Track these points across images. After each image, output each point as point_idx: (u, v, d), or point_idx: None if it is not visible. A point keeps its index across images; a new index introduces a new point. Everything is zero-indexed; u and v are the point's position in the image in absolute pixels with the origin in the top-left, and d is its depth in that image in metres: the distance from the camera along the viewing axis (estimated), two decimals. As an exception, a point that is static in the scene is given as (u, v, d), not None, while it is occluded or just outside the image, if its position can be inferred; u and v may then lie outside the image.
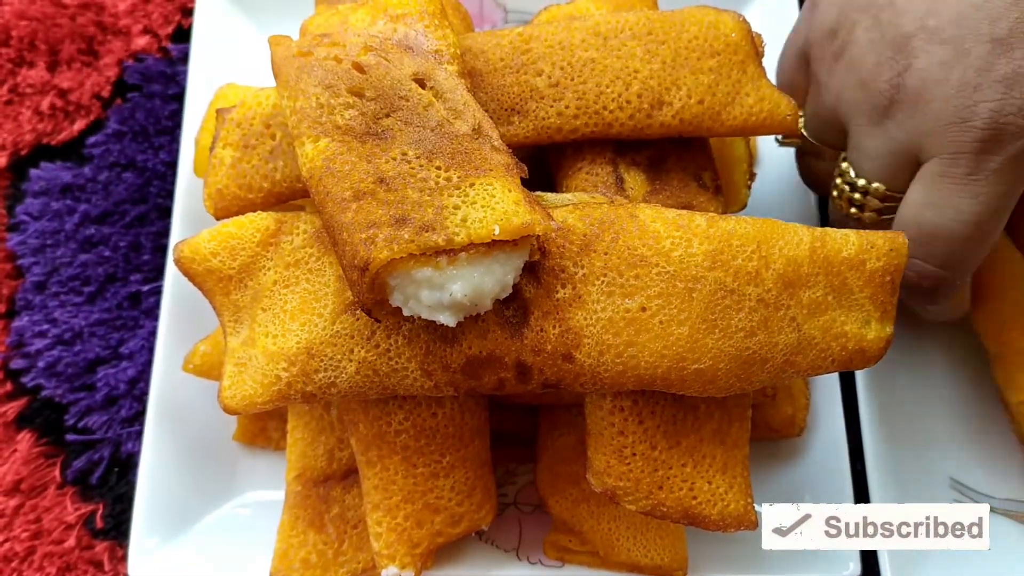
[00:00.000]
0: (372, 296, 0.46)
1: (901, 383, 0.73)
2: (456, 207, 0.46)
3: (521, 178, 0.50)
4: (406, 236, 0.44)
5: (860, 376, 0.70)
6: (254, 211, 0.58)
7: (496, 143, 0.51)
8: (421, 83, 0.53)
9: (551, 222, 0.47)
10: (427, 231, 0.45)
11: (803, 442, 0.71)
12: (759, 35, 0.60)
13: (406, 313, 0.48)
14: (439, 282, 0.46)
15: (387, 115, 0.51)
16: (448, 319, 0.47)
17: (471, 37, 0.61)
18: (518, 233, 0.46)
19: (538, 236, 0.48)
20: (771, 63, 0.61)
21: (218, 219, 0.60)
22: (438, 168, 0.48)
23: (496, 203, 0.46)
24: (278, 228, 0.55)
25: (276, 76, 0.54)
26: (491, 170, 0.48)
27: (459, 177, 0.48)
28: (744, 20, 0.59)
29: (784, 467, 0.71)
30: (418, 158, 0.48)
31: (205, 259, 0.55)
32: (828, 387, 0.71)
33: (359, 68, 0.52)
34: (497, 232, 0.45)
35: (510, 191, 0.47)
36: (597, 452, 0.56)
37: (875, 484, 0.67)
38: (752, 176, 0.67)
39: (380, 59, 0.53)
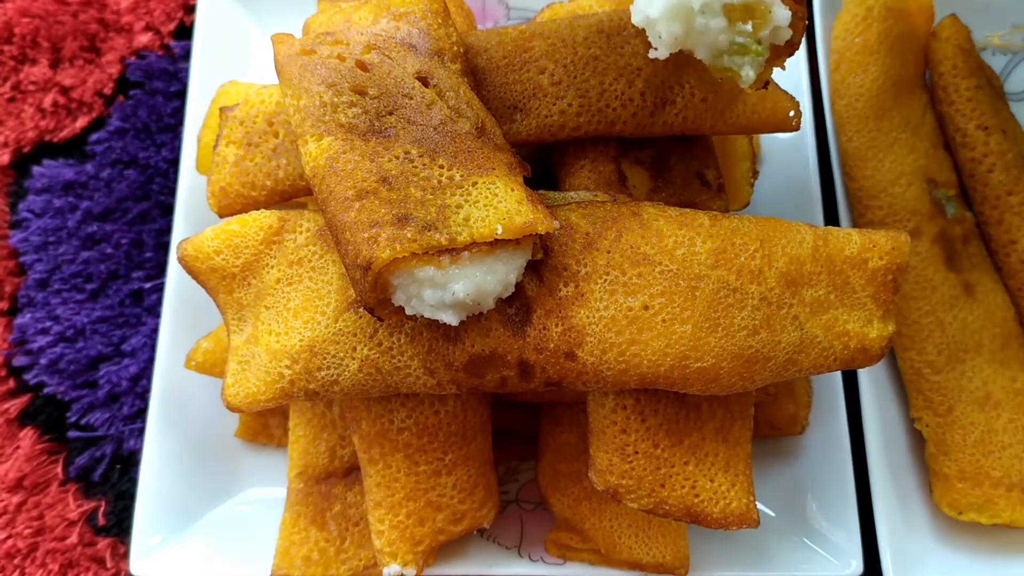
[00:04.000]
0: (375, 295, 0.46)
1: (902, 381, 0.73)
2: (459, 206, 0.46)
3: (524, 176, 0.50)
4: (409, 235, 0.44)
5: (863, 374, 0.70)
6: (257, 209, 0.58)
7: (499, 141, 0.51)
8: (424, 81, 0.53)
9: (554, 221, 0.47)
10: (430, 230, 0.45)
11: (805, 440, 0.71)
12: (762, 33, 0.60)
13: (409, 312, 0.48)
14: (442, 281, 0.46)
15: (390, 113, 0.50)
16: (451, 318, 0.47)
17: (474, 35, 0.60)
18: (521, 232, 0.46)
19: (541, 235, 0.48)
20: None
21: (222, 217, 0.60)
22: (441, 167, 0.48)
23: (499, 202, 0.46)
24: (281, 226, 0.55)
25: (279, 74, 0.54)
26: (494, 169, 0.48)
27: (462, 176, 0.48)
28: (747, 17, 0.59)
29: (786, 465, 0.71)
30: (421, 156, 0.48)
31: (208, 257, 0.55)
32: (830, 385, 0.70)
33: (362, 66, 0.52)
34: (500, 232, 0.45)
35: (513, 190, 0.47)
36: (599, 450, 0.56)
37: (877, 481, 0.67)
38: (755, 174, 0.67)
39: (383, 57, 0.53)
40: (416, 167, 0.48)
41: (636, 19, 0.45)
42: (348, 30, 0.55)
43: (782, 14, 0.44)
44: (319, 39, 0.54)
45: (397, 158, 0.48)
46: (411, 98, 0.51)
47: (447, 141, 0.49)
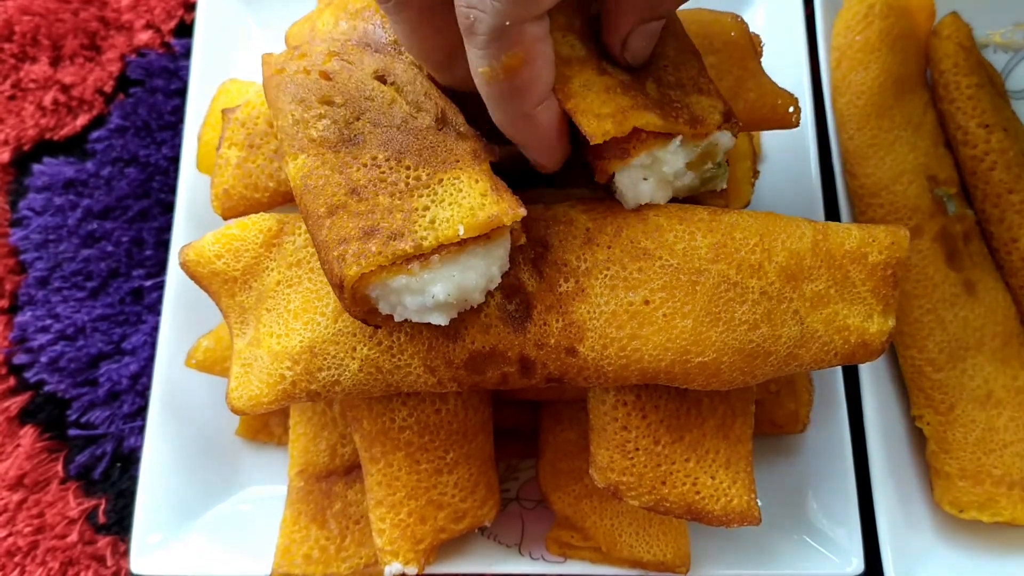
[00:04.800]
0: (358, 309, 0.46)
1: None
2: (426, 208, 0.46)
3: (491, 162, 0.49)
4: (373, 249, 0.44)
5: (864, 372, 0.70)
6: (261, 210, 0.58)
7: (461, 129, 0.51)
8: (383, 79, 0.52)
9: (520, 208, 0.47)
10: (394, 240, 0.44)
11: (806, 438, 0.71)
12: (757, 35, 0.60)
13: (397, 319, 0.48)
14: (418, 287, 0.45)
15: (357, 119, 0.50)
16: (439, 319, 0.47)
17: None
18: (485, 228, 0.45)
19: (521, 221, 0.48)
20: (772, 62, 0.61)
21: (226, 219, 0.60)
22: (407, 168, 0.48)
23: (463, 198, 0.46)
24: (280, 229, 0.55)
25: (265, 97, 0.54)
26: (458, 161, 0.48)
27: (428, 175, 0.47)
28: (742, 20, 0.59)
29: (787, 462, 0.71)
30: (388, 160, 0.48)
31: (210, 261, 0.55)
32: (831, 383, 0.70)
33: (326, 76, 0.52)
34: (462, 232, 0.45)
35: (477, 182, 0.47)
36: (600, 447, 0.56)
37: (878, 479, 0.67)
38: (756, 173, 0.66)
39: (343, 63, 0.53)
40: (384, 172, 0.48)
41: (629, 206, 0.52)
42: (312, 40, 0.55)
43: (727, 139, 0.50)
44: (288, 55, 0.54)
45: (365, 166, 0.48)
46: (373, 100, 0.51)
47: (411, 139, 0.49)
